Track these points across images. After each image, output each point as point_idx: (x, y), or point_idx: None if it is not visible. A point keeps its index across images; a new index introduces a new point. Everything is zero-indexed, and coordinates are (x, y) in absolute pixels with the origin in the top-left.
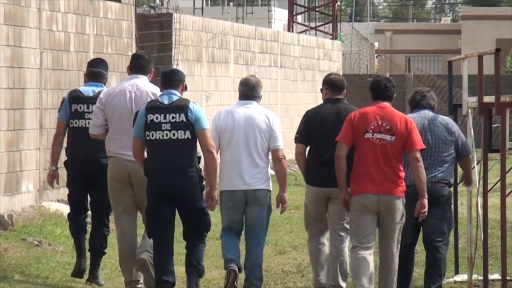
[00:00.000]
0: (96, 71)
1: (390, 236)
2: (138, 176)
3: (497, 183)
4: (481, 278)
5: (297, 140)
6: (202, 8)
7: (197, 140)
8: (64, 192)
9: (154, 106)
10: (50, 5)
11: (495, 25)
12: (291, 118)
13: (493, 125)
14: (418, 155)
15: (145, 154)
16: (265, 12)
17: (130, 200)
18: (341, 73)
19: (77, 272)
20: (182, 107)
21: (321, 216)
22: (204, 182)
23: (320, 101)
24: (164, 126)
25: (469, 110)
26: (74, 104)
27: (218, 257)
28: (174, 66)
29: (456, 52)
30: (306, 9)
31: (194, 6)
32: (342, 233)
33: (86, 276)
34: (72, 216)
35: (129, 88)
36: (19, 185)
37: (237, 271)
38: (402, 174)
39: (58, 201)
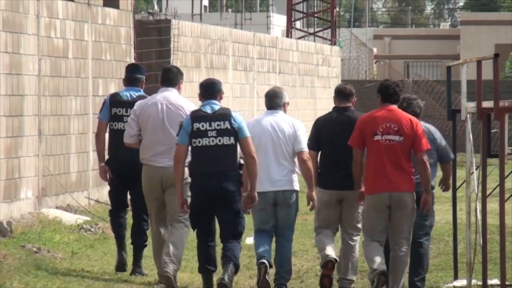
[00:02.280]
0: (133, 76)
1: (402, 231)
2: (169, 181)
3: (496, 188)
4: (480, 283)
5: (308, 146)
6: (201, 14)
7: (238, 146)
8: (63, 198)
9: (199, 116)
10: (48, 11)
11: (494, 30)
12: None
13: (492, 130)
14: (425, 157)
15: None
16: (264, 18)
17: (162, 204)
18: (340, 79)
19: (120, 266)
20: (225, 115)
21: (334, 218)
22: (241, 188)
23: (319, 106)
24: (210, 133)
25: (468, 115)
26: (114, 108)
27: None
28: None
29: (455, 58)
30: (304, 15)
31: (192, 12)
32: (353, 232)
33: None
34: (113, 213)
35: (160, 100)
36: (18, 192)
37: (268, 266)
38: (412, 171)
39: (57, 207)
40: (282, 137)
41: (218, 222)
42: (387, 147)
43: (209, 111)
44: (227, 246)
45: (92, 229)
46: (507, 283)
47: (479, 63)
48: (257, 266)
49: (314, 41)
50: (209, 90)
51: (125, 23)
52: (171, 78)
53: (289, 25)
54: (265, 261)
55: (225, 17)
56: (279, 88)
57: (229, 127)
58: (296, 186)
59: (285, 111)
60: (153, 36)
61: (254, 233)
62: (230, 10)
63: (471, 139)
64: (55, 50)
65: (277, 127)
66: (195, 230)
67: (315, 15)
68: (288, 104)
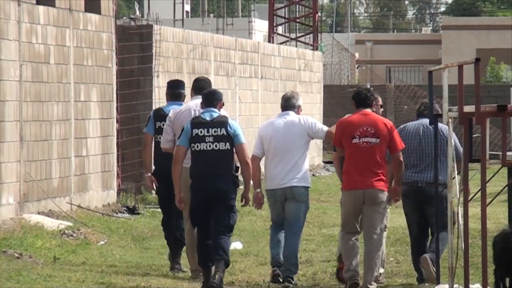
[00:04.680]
0: (177, 92)
1: (375, 225)
2: None
3: (477, 192)
4: (462, 287)
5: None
6: (183, 19)
7: (234, 151)
8: (45, 204)
9: (198, 122)
10: (29, 17)
11: (475, 35)
12: None
13: (473, 135)
14: (401, 156)
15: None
16: (246, 23)
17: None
18: (322, 84)
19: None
20: (222, 122)
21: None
22: (237, 187)
23: (303, 112)
24: (208, 139)
25: (450, 120)
26: (158, 122)
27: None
28: (155, 78)
29: (437, 62)
30: (286, 20)
31: (174, 17)
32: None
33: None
34: (165, 221)
35: (193, 107)
36: None
37: (280, 273)
38: (385, 171)
39: (38, 213)
40: (292, 136)
41: (213, 216)
42: (365, 148)
43: (208, 118)
44: (218, 241)
45: (74, 235)
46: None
47: (460, 67)
48: (271, 267)
49: (296, 46)
50: (210, 98)
51: (107, 28)
52: (204, 87)
53: (271, 30)
54: (277, 271)
55: (207, 22)
56: (295, 92)
57: (225, 133)
58: (307, 183)
59: (298, 113)
60: (135, 42)
61: (271, 221)
62: (212, 15)
63: (453, 144)
64: (36, 55)
65: (287, 127)
66: (195, 228)
67: (297, 20)
68: (300, 107)
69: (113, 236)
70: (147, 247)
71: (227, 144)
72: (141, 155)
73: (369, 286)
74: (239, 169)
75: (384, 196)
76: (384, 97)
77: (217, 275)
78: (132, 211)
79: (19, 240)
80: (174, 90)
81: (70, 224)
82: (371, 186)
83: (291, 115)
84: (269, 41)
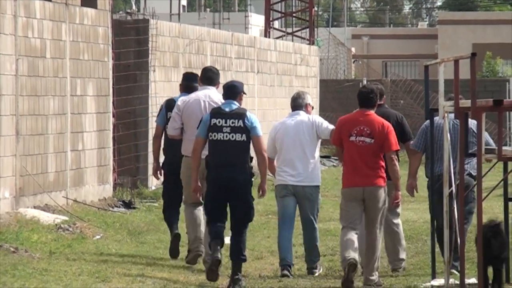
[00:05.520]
0: (191, 85)
1: (375, 220)
2: None
3: (473, 187)
4: (457, 282)
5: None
6: (179, 14)
7: (251, 143)
8: (41, 198)
9: (217, 112)
10: (26, 11)
11: (472, 30)
12: (268, 123)
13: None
14: (393, 155)
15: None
16: (242, 17)
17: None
18: (318, 79)
19: (174, 252)
20: (240, 114)
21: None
22: (253, 178)
23: None
24: (225, 129)
25: (446, 115)
26: (170, 112)
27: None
28: (151, 72)
29: (433, 57)
30: (282, 15)
31: (170, 12)
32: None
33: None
34: (166, 207)
35: (202, 97)
36: None
37: (290, 272)
38: (383, 169)
39: (34, 207)
40: (303, 135)
41: (230, 211)
42: (360, 147)
43: (227, 109)
44: (234, 236)
45: (70, 229)
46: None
47: (456, 62)
48: (280, 267)
49: (292, 40)
50: (230, 91)
51: (103, 23)
52: (212, 77)
53: (267, 25)
54: (287, 273)
55: (203, 17)
56: (302, 91)
57: (242, 125)
58: (317, 182)
59: (307, 112)
60: (131, 36)
61: (278, 220)
62: (208, 10)
63: (449, 138)
64: (32, 50)
65: (298, 126)
66: (208, 216)
67: (293, 14)
68: (310, 105)
69: (109, 230)
70: (143, 241)
71: (244, 135)
72: (152, 145)
73: (370, 277)
74: (252, 159)
75: (383, 191)
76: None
77: (240, 277)
78: (128, 205)
79: (15, 234)
80: (189, 83)
81: (66, 218)
82: (370, 184)
83: (301, 115)
84: (265, 36)
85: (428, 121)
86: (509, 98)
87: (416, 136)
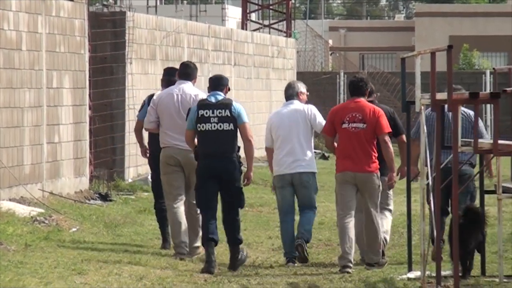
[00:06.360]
0: (171, 79)
1: (371, 204)
2: (188, 161)
3: (449, 180)
4: (434, 274)
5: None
6: (156, 6)
7: (238, 131)
8: (16, 191)
9: (204, 104)
10: (1, 3)
11: (448, 22)
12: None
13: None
14: (386, 137)
15: (196, 141)
16: (219, 10)
17: (181, 179)
18: (295, 71)
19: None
20: (226, 104)
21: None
22: (242, 166)
23: (274, 98)
24: (212, 120)
25: (422, 107)
26: None
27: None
28: (128, 65)
29: (410, 49)
30: (259, 7)
31: (147, 4)
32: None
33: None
34: (156, 200)
35: (176, 91)
36: None
37: (294, 261)
38: (375, 155)
39: (10, 200)
40: (297, 124)
41: (221, 198)
42: (354, 133)
43: (213, 100)
44: (227, 223)
45: (46, 221)
46: (460, 274)
47: (433, 54)
48: (285, 259)
49: (269, 33)
50: (215, 83)
51: (79, 15)
52: (189, 72)
53: (244, 17)
54: (292, 264)
55: (180, 9)
56: (294, 81)
57: (229, 114)
58: (313, 168)
59: (300, 100)
60: (107, 28)
61: (278, 210)
62: (185, 2)
63: (425, 130)
64: (8, 42)
65: (292, 115)
66: (199, 208)
67: (270, 7)
68: (302, 93)
69: (85, 223)
70: (120, 234)
71: (231, 125)
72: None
73: (374, 257)
74: (240, 149)
75: (375, 177)
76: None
77: (239, 255)
78: (104, 198)
79: None
80: (169, 77)
81: (42, 210)
82: (362, 170)
83: (295, 104)
84: (242, 28)
85: (428, 109)
86: (485, 90)
87: (415, 126)
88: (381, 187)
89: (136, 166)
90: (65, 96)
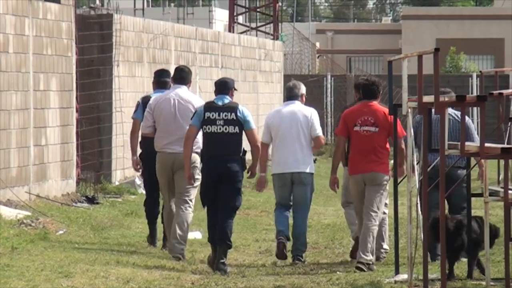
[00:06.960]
0: (163, 80)
1: (374, 203)
2: (179, 165)
3: (436, 182)
4: (421, 278)
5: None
6: (143, 9)
7: (244, 135)
8: (3, 193)
9: (211, 106)
10: None
11: (435, 25)
12: None
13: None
14: (401, 142)
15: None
16: (206, 12)
17: (172, 185)
18: (282, 74)
19: (151, 240)
20: (232, 108)
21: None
22: (245, 170)
23: (261, 101)
24: (218, 122)
25: (409, 110)
26: (146, 108)
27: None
28: (115, 67)
29: (397, 52)
30: (247, 10)
31: (134, 7)
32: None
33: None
34: (147, 198)
35: (173, 96)
36: None
37: (285, 242)
38: (386, 157)
39: None
40: (298, 124)
41: (219, 196)
42: (365, 136)
43: (220, 103)
44: (224, 226)
45: (33, 224)
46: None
47: (420, 57)
48: (276, 240)
49: (257, 35)
50: (222, 87)
51: (67, 17)
52: (184, 76)
53: (231, 20)
54: (283, 238)
55: (168, 11)
56: (297, 81)
57: (234, 118)
58: (312, 169)
59: (302, 102)
60: (94, 31)
61: (275, 205)
62: (172, 4)
63: (412, 133)
64: None
65: (294, 115)
66: (205, 208)
67: (257, 9)
68: (304, 95)
69: (72, 226)
70: (106, 237)
71: (236, 128)
72: (130, 139)
73: (364, 256)
74: (246, 153)
75: (384, 178)
76: (344, 87)
77: (221, 261)
78: (91, 200)
79: None
80: (159, 79)
81: (29, 213)
82: (371, 170)
83: (297, 104)
84: (229, 31)
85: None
86: (472, 93)
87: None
88: (388, 189)
89: (123, 169)
90: (52, 99)
